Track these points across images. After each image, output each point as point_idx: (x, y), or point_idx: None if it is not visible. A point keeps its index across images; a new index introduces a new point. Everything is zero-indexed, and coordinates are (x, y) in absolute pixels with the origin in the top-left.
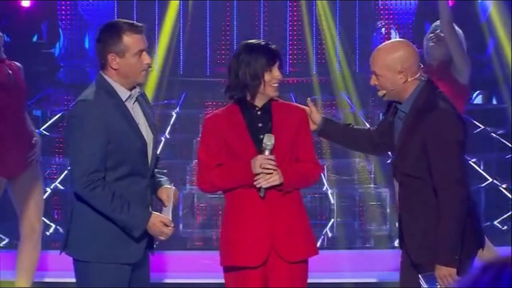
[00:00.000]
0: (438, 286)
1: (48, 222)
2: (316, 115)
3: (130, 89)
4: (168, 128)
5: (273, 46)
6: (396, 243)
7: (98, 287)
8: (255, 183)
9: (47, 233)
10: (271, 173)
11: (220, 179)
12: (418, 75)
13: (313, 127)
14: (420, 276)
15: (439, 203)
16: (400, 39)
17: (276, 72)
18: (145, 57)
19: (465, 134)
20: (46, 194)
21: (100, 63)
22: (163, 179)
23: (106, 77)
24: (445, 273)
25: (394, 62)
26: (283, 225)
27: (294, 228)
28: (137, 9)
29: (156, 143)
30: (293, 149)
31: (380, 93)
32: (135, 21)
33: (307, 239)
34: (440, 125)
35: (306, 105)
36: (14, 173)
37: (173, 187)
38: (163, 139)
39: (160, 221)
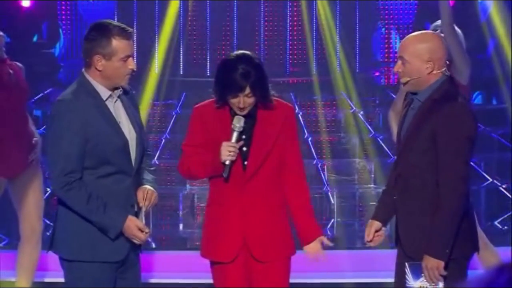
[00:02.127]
0: (423, 277)
1: (48, 222)
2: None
3: (112, 89)
4: (168, 128)
5: (247, 69)
6: None
7: (82, 285)
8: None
9: (47, 233)
10: (234, 158)
11: (195, 166)
12: (443, 69)
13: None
14: (406, 264)
15: (439, 196)
16: (433, 32)
17: (241, 100)
18: (130, 63)
19: (476, 132)
20: (46, 194)
21: (84, 61)
22: (149, 177)
23: (88, 76)
24: (433, 265)
25: (424, 51)
26: (257, 224)
27: (269, 228)
28: (137, 9)
29: (141, 141)
30: (274, 153)
31: (403, 80)
32: (125, 25)
33: (283, 240)
34: (454, 118)
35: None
36: (14, 173)
37: (151, 188)
38: (163, 139)
39: (135, 225)
